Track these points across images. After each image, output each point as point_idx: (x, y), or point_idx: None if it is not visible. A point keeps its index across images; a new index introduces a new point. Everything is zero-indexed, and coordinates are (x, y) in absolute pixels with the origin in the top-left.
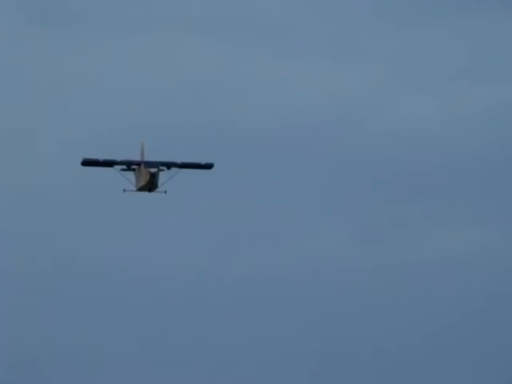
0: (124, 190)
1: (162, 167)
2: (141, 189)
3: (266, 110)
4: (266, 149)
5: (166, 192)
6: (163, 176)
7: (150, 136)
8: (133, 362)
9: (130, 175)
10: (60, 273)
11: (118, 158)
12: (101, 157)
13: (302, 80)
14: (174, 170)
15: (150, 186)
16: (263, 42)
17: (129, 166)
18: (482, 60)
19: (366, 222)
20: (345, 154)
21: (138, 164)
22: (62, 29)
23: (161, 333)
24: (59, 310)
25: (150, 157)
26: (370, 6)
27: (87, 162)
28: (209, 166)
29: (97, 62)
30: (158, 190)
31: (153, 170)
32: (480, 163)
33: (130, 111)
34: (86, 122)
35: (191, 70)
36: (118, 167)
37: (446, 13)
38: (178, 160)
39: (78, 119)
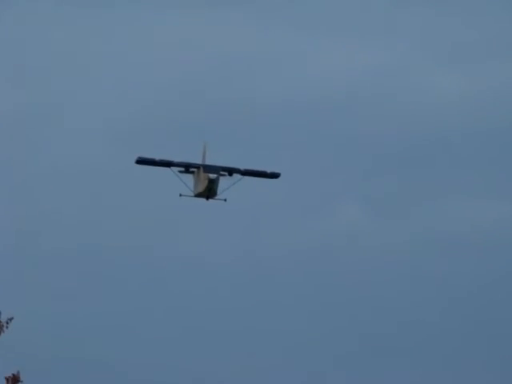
0: (180, 195)
1: (223, 172)
2: (198, 195)
3: (287, 87)
4: (284, 123)
5: (225, 200)
6: (224, 183)
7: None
8: None
9: (188, 178)
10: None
11: (176, 159)
12: (157, 156)
13: (327, 55)
14: (236, 176)
15: (209, 193)
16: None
17: (187, 168)
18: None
19: (384, 196)
20: (368, 130)
21: (197, 167)
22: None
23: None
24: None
25: (211, 159)
26: None
27: (142, 161)
28: (275, 176)
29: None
30: (217, 197)
31: (212, 175)
32: (505, 138)
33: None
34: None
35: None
36: (175, 169)
37: None
38: (241, 166)
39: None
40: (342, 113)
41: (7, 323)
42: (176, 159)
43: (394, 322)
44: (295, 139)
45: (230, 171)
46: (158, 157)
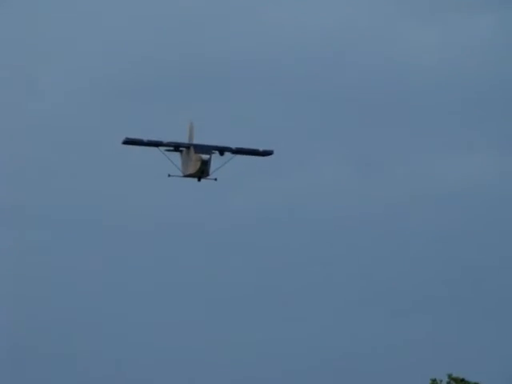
0: (169, 175)
1: (213, 151)
2: (189, 176)
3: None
4: (268, 78)
5: (216, 179)
6: (215, 162)
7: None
8: None
9: (176, 156)
10: None
11: (164, 140)
12: (145, 137)
13: (301, 10)
14: (227, 155)
15: (201, 174)
16: None
17: (176, 148)
18: None
19: (367, 153)
20: (344, 84)
21: (187, 147)
22: None
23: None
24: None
25: (199, 138)
26: None
27: (130, 142)
28: (267, 153)
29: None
30: (208, 177)
31: (205, 156)
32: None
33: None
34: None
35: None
36: (163, 148)
37: None
38: (232, 145)
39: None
40: (317, 70)
41: None
42: (162, 132)
43: (380, 273)
44: (270, 98)
45: (222, 150)
46: (145, 137)
